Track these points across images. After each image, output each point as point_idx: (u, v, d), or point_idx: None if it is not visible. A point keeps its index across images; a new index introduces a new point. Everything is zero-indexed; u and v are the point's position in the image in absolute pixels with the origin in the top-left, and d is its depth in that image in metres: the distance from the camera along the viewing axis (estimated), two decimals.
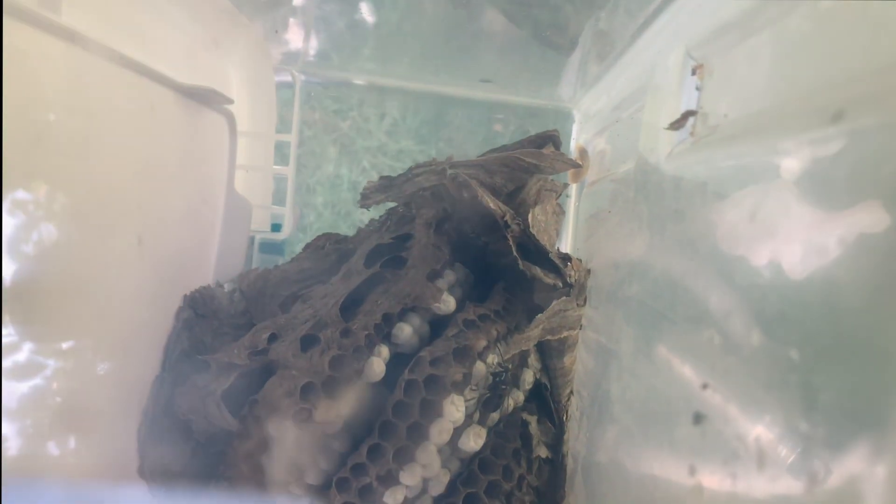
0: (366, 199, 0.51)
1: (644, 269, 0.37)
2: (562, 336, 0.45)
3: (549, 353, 0.48)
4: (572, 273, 0.45)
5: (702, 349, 0.27)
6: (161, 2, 0.47)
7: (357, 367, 0.41)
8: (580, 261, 0.47)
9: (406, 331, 0.43)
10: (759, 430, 0.22)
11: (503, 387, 0.43)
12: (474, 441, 0.41)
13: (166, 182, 0.47)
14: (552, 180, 0.50)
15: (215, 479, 0.43)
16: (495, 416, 0.44)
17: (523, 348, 0.44)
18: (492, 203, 0.45)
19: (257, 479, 0.41)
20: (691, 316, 0.29)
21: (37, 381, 0.35)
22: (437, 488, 0.41)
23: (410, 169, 0.51)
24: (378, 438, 0.40)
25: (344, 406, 0.40)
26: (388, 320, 0.43)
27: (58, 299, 0.36)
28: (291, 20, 0.59)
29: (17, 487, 0.33)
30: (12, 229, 0.32)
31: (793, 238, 0.22)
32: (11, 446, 0.33)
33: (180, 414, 0.44)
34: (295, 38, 0.62)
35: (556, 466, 0.46)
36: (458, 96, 0.70)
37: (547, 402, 0.47)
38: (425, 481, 0.41)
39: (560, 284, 0.45)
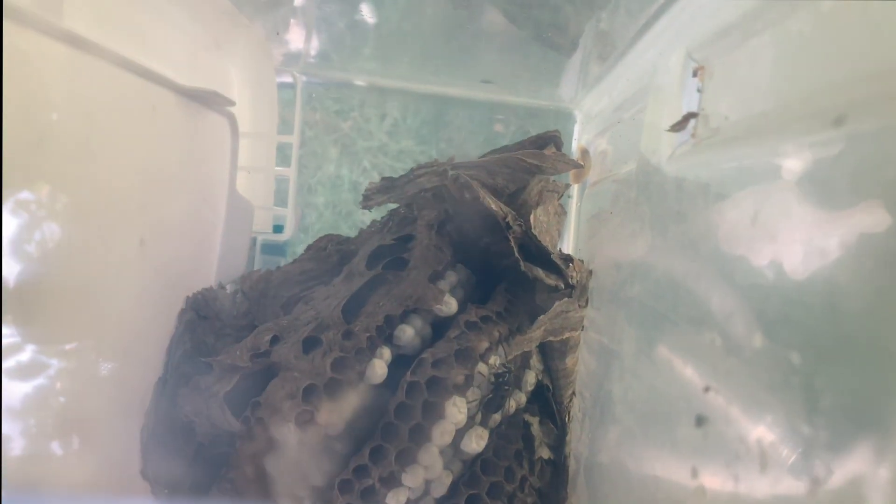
0: (368, 201, 0.51)
1: (646, 270, 0.37)
2: (564, 337, 0.45)
3: (551, 354, 0.48)
4: (574, 274, 0.45)
5: (704, 351, 0.27)
6: (162, 3, 0.47)
7: (359, 368, 0.41)
8: (582, 262, 0.47)
9: (408, 332, 0.43)
10: (762, 432, 0.22)
11: (505, 388, 0.43)
12: (476, 442, 0.41)
13: (168, 184, 0.47)
14: (554, 181, 0.50)
15: (218, 481, 0.43)
16: (497, 417, 0.44)
17: (525, 349, 0.44)
18: (493, 204, 0.45)
19: (260, 481, 0.41)
20: (693, 317, 0.29)
21: (39, 381, 0.35)
22: (440, 490, 0.41)
23: (412, 170, 0.51)
24: (380, 440, 0.40)
25: (346, 408, 0.40)
26: (390, 322, 0.43)
27: (60, 301, 0.36)
28: (292, 21, 0.59)
29: (17, 495, 0.33)
30: (15, 231, 0.32)
31: (794, 240, 0.22)
32: (14, 447, 0.33)
33: (183, 415, 0.44)
34: (296, 38, 0.62)
35: (558, 467, 0.46)
36: (459, 97, 0.71)
37: (549, 403, 0.47)
38: (427, 483, 0.41)
39: (562, 286, 0.45)
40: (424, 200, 0.50)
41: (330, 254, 0.53)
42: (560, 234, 0.52)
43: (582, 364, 0.47)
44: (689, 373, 0.28)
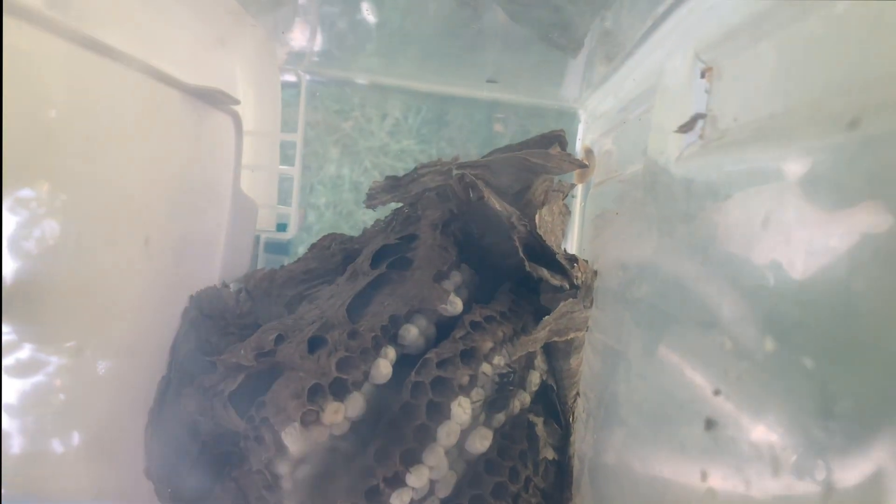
0: (372, 200, 0.51)
1: (653, 271, 0.37)
2: (568, 338, 0.45)
3: (556, 354, 0.47)
4: (579, 274, 0.45)
5: (713, 353, 0.27)
6: (167, 1, 0.47)
7: (364, 368, 0.41)
8: (587, 262, 0.47)
9: (412, 332, 0.43)
10: (774, 436, 0.22)
11: (509, 388, 0.43)
12: (480, 443, 0.41)
13: (173, 182, 0.47)
14: (559, 181, 0.50)
15: (222, 480, 0.43)
16: (501, 417, 0.43)
17: (530, 350, 0.44)
18: (498, 204, 0.45)
19: (265, 480, 0.41)
20: (702, 320, 0.29)
21: (43, 380, 0.35)
22: (444, 490, 0.41)
23: (416, 169, 0.51)
24: (385, 440, 0.40)
25: (351, 408, 0.40)
26: (395, 322, 0.43)
27: (65, 299, 0.36)
28: (297, 19, 0.59)
29: (18, 495, 0.33)
30: (20, 229, 0.32)
31: (807, 242, 0.22)
32: (16, 445, 0.33)
33: (187, 415, 0.44)
34: (300, 37, 0.62)
35: (562, 468, 0.46)
36: (461, 96, 0.70)
37: (553, 403, 0.47)
38: (432, 483, 0.41)
39: (567, 286, 0.45)
40: (428, 200, 0.49)
41: (334, 253, 0.53)
42: (564, 234, 0.52)
43: (586, 365, 0.47)
44: (699, 375, 0.28)
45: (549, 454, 0.45)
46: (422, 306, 0.43)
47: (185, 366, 0.46)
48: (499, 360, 0.43)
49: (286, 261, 0.62)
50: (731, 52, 0.32)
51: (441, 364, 0.41)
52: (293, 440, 0.39)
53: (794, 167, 0.24)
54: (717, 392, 0.26)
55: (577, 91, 0.65)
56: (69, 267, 0.36)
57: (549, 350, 0.48)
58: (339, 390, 0.40)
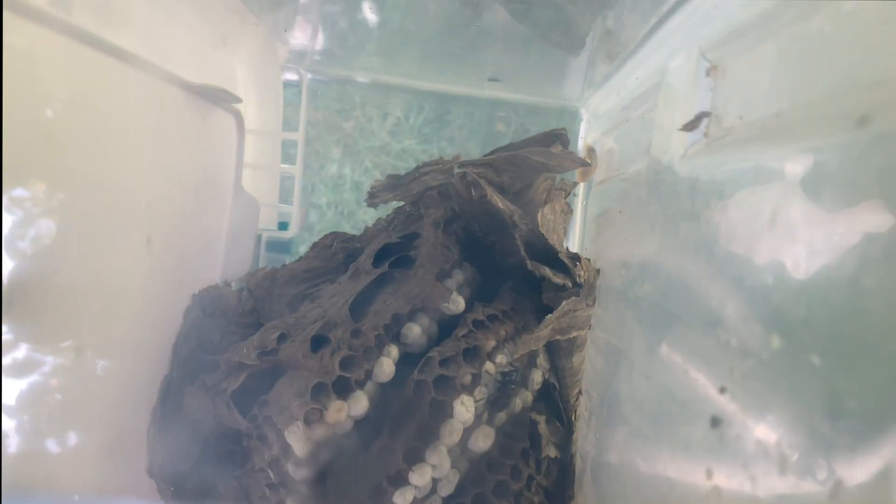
0: (373, 198, 0.51)
1: (656, 269, 0.37)
2: (571, 336, 0.45)
3: (558, 352, 0.47)
4: (582, 273, 0.45)
5: (718, 352, 0.27)
6: (170, 0, 0.47)
7: (367, 367, 0.41)
8: (589, 260, 0.47)
9: (415, 331, 0.43)
10: (781, 435, 0.22)
11: (512, 387, 0.43)
12: (482, 441, 0.41)
13: (175, 181, 0.47)
14: (561, 179, 0.50)
15: (224, 479, 0.43)
16: (503, 415, 0.43)
17: (532, 348, 0.44)
18: (500, 202, 0.45)
19: (267, 478, 0.40)
20: (707, 318, 0.29)
21: (44, 379, 0.35)
22: (447, 489, 0.41)
23: (418, 167, 0.51)
24: (388, 439, 0.40)
25: (354, 407, 0.40)
26: (398, 320, 0.43)
27: (67, 299, 0.36)
28: (298, 18, 0.59)
29: (19, 494, 0.33)
30: (21, 228, 0.32)
31: (814, 241, 0.22)
32: (17, 445, 0.33)
33: (189, 413, 0.44)
34: (301, 36, 0.62)
35: (564, 466, 0.46)
36: (462, 95, 0.70)
37: (556, 401, 0.47)
38: (435, 481, 0.41)
39: (569, 284, 0.45)
40: (430, 198, 0.49)
41: (336, 252, 0.53)
42: (566, 233, 0.52)
43: (589, 363, 0.46)
44: (703, 374, 0.28)
45: (552, 452, 0.45)
46: (424, 305, 0.43)
47: (187, 365, 0.46)
48: (501, 358, 0.43)
49: (288, 259, 0.62)
50: (736, 50, 0.32)
51: (444, 362, 0.41)
52: (296, 439, 0.38)
53: (801, 165, 0.24)
54: (722, 390, 0.26)
55: (579, 90, 0.65)
56: (71, 266, 0.36)
57: (552, 348, 0.48)
58: (343, 389, 0.40)
